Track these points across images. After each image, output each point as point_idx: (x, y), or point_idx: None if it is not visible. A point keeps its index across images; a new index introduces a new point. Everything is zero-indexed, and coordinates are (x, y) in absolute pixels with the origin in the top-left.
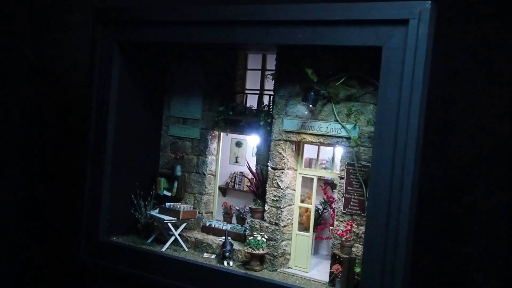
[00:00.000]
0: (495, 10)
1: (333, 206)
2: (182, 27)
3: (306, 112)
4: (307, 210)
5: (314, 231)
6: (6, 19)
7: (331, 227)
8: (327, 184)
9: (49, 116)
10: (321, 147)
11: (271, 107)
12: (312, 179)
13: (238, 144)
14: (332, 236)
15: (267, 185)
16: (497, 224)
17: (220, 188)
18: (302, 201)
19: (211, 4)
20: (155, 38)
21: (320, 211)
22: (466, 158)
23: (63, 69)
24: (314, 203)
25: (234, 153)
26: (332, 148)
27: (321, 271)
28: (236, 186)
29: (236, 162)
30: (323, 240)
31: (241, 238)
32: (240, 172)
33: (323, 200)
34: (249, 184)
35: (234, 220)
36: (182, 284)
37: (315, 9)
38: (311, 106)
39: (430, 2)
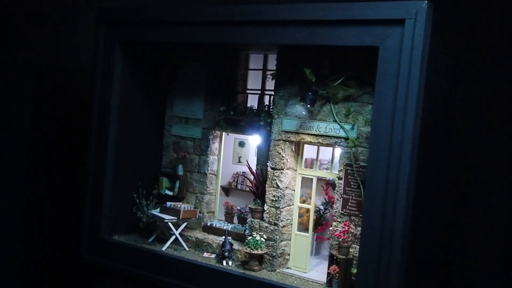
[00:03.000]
0: (496, 10)
1: (334, 206)
2: (182, 27)
3: (303, 112)
4: (308, 210)
5: (315, 232)
6: (8, 18)
7: (330, 228)
8: (329, 185)
9: (51, 115)
10: (323, 148)
11: (271, 107)
12: (312, 179)
13: (241, 144)
14: (330, 236)
15: (266, 185)
16: (498, 224)
17: (223, 188)
18: (303, 202)
19: (211, 4)
20: (158, 38)
21: (321, 212)
22: (468, 159)
23: (66, 69)
24: (313, 203)
25: (237, 153)
26: (331, 148)
27: (320, 271)
28: (239, 186)
29: (239, 162)
30: (324, 240)
31: (242, 238)
32: (243, 172)
33: (324, 201)
34: (249, 184)
35: (235, 220)
36: (181, 283)
37: (313, 9)
38: (309, 106)
39: (426, 2)
